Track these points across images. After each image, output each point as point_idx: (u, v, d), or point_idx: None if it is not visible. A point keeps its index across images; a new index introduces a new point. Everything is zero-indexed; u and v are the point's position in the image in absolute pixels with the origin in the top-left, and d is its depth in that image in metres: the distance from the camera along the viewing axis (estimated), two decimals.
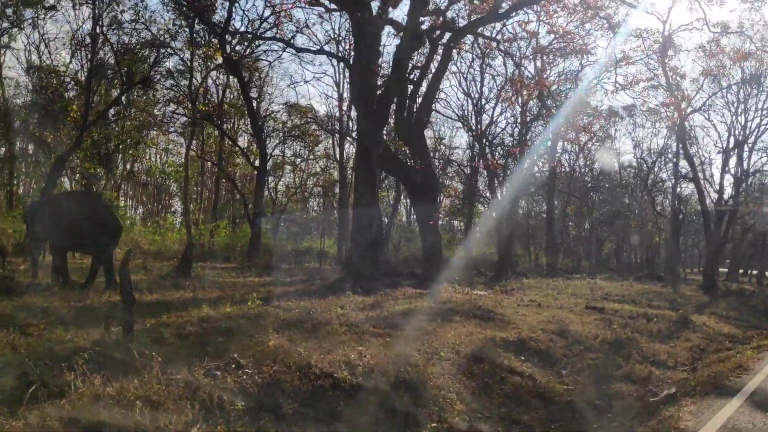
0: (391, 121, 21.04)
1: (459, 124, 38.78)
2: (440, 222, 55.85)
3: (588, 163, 46.74)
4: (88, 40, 25.77)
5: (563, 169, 44.16)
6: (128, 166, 38.32)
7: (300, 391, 5.11)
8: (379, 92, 17.51)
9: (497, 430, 5.80)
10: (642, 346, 10.34)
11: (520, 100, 32.26)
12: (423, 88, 20.82)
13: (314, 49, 23.35)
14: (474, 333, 9.32)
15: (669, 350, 10.54)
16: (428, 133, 39.42)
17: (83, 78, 27.60)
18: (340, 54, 26.91)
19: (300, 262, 29.59)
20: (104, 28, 24.50)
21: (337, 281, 16.07)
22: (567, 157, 44.89)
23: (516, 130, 37.14)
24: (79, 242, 13.15)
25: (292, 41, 22.75)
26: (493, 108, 36.08)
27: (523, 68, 29.42)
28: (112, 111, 30.64)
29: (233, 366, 5.36)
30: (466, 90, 35.14)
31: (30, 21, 27.15)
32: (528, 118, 35.61)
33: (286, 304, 11.39)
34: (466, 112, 36.48)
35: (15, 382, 5.02)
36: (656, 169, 45.72)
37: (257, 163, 30.23)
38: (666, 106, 27.88)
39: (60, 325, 7.72)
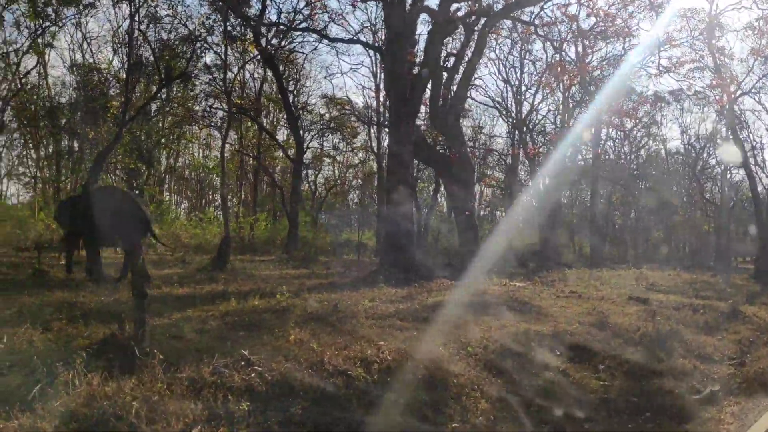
0: (426, 109, 20.69)
1: (499, 113, 38.11)
2: (482, 213, 55.34)
3: (633, 150, 45.43)
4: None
5: (608, 157, 43.09)
6: (171, 162, 38.91)
7: (310, 390, 4.87)
8: (411, 80, 17.12)
9: (523, 431, 5.47)
10: (687, 339, 9.80)
11: (561, 86, 31.54)
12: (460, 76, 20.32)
13: (348, 39, 23.02)
14: (507, 326, 8.97)
15: (716, 343, 9.98)
16: (467, 122, 39.00)
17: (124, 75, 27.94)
18: (377, 44, 26.63)
19: (339, 254, 29.45)
20: (141, 25, 24.73)
21: (372, 273, 15.85)
22: (611, 144, 43.78)
23: (558, 117, 36.33)
24: (108, 237, 13.17)
25: (325, 32, 22.51)
26: (534, 95, 35.39)
27: (563, 53, 28.73)
28: (154, 106, 31.09)
29: (243, 363, 5.15)
30: (505, 77, 34.53)
31: (72, 20, 27.65)
32: (570, 105, 34.78)
33: (316, 297, 11.24)
34: (505, 100, 35.87)
35: (23, 379, 4.92)
36: (705, 155, 44.20)
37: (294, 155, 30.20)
38: (712, 89, 26.72)
39: (82, 320, 7.66)
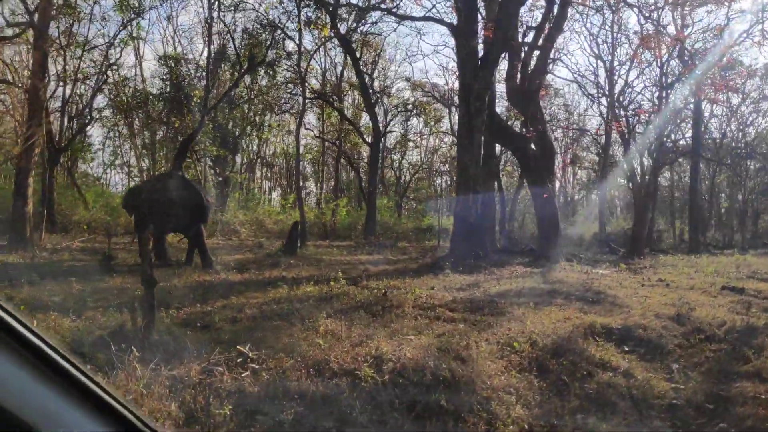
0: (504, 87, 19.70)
1: (594, 92, 36.09)
2: (576, 196, 53.16)
3: (741, 127, 41.97)
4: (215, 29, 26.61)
5: (712, 135, 40.05)
6: (262, 149, 39.61)
7: (308, 392, 4.32)
8: (485, 54, 16.19)
9: None
10: None
11: (658, 60, 29.40)
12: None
13: (419, 16, 22.20)
14: (571, 318, 8.14)
15: None
16: (559, 101, 37.36)
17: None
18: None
19: (420, 240, 28.96)
20: (223, 14, 25.11)
21: (441, 259, 15.22)
22: (716, 122, 40.66)
23: (655, 93, 33.97)
24: (169, 223, 13.23)
25: (397, 9, 21.81)
26: (628, 71, 33.32)
27: (658, 24, 26.67)
28: (243, 95, 31.61)
29: (239, 360, 4.68)
30: (597, 52, 32.66)
31: (159, 12, 28.57)
32: (670, 80, 32.42)
33: (373, 284, 10.80)
34: (597, 76, 33.97)
35: None
36: None
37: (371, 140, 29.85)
38: None
39: (119, 308, 7.50)
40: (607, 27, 31.36)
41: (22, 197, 15.30)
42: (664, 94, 32.12)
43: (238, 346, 4.99)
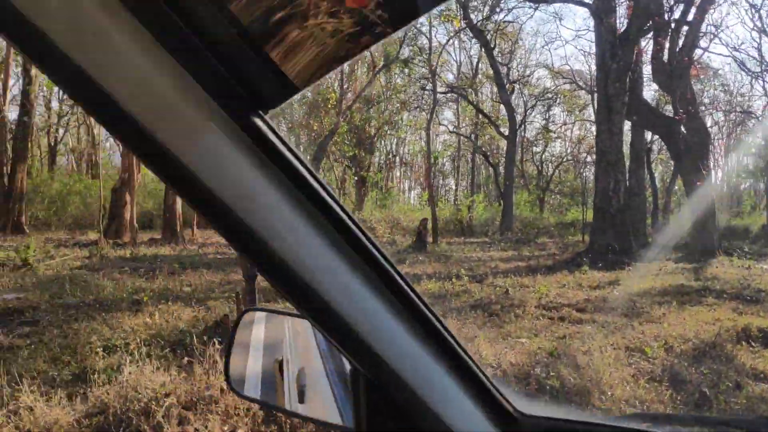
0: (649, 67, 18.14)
1: (758, 70, 32.61)
2: (742, 186, 48.63)
3: None
4: None
5: None
6: (401, 149, 39.90)
7: None
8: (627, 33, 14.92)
9: None
10: None
11: None
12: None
13: None
14: (721, 320, 7.12)
15: None
16: (718, 81, 34.34)
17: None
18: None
19: (563, 235, 27.59)
20: None
21: (579, 255, 14.22)
22: None
23: None
24: None
25: None
26: None
27: None
28: (380, 95, 31.90)
29: None
30: (759, 25, 29.47)
31: None
32: None
33: (499, 281, 10.19)
34: (761, 51, 30.68)
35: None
36: None
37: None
38: None
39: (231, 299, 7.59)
40: None
41: (171, 195, 16.54)
42: None
43: None
